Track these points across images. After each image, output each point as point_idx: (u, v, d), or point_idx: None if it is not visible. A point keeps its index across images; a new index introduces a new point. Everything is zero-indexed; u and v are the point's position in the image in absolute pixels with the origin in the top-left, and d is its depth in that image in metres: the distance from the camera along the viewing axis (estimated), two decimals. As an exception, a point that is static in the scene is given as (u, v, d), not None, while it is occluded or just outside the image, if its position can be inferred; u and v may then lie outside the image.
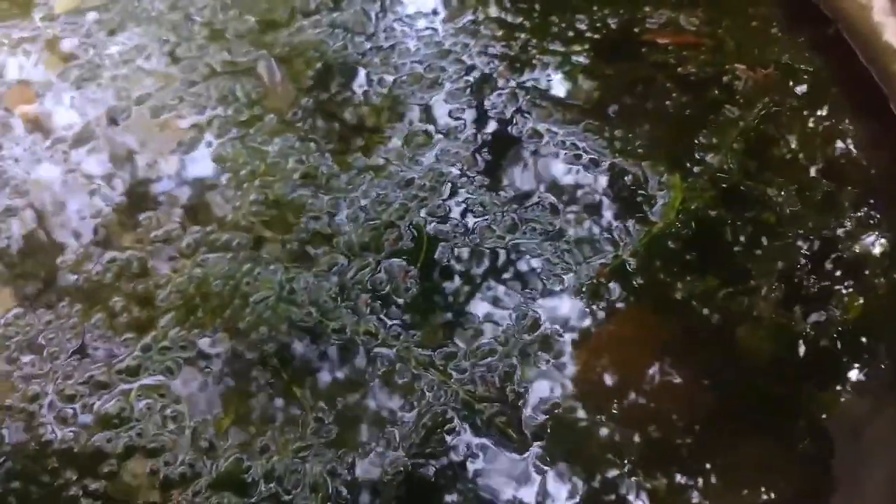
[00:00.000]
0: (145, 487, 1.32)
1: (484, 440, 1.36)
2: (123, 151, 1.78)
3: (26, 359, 1.46)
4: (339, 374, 1.44)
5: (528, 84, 1.84)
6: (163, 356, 1.45)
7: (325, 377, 1.44)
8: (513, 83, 1.83)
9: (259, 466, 1.33)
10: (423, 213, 1.63)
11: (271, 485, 1.31)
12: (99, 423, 1.38)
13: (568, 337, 1.47)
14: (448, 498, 1.32)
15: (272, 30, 1.95)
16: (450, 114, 1.79)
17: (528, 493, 1.33)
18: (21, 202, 1.70)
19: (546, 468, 1.34)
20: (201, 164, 1.73)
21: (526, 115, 1.78)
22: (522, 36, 1.93)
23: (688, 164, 1.68)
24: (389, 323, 1.49)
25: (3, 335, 1.48)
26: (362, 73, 1.88)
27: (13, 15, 2.07)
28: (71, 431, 1.38)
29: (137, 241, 1.61)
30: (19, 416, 1.40)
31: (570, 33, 1.93)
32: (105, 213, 1.66)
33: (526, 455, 1.35)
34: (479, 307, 1.51)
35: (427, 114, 1.79)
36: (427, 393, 1.40)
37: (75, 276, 1.56)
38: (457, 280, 1.55)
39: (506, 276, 1.55)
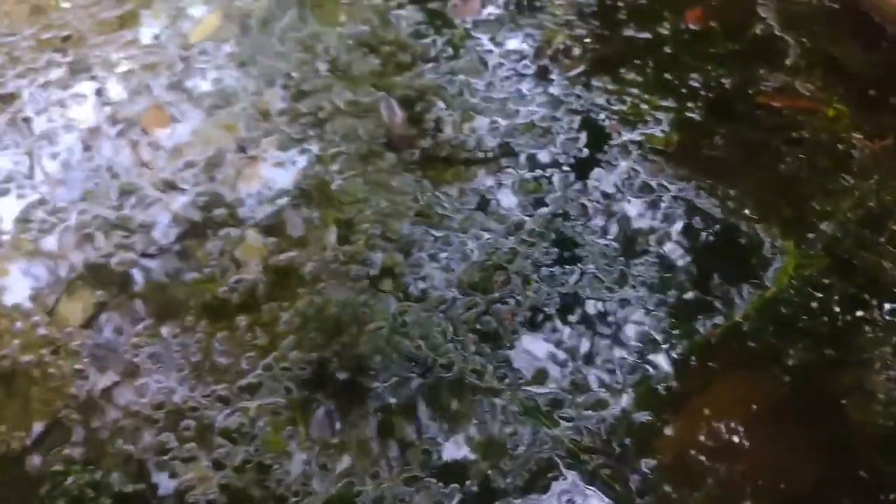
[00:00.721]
0: (258, 502, 1.39)
1: (588, 490, 1.37)
2: (249, 180, 1.90)
3: (154, 368, 1.56)
4: (447, 409, 1.48)
5: (640, 138, 1.88)
6: (282, 375, 1.53)
7: (433, 410, 1.48)
8: (624, 136, 1.88)
9: (369, 491, 1.38)
10: (530, 258, 1.67)
11: (378, 511, 1.37)
12: (218, 436, 1.46)
13: (674, 394, 1.48)
14: (549, 544, 1.35)
15: (394, 73, 2.06)
16: (561, 163, 1.85)
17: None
18: (149, 219, 1.84)
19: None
20: (324, 196, 1.83)
21: (637, 168, 1.82)
22: (635, 91, 1.98)
23: (801, 230, 1.69)
24: (496, 363, 1.53)
25: (134, 344, 1.59)
26: (478, 118, 1.95)
27: (152, 42, 2.24)
28: (191, 445, 1.46)
29: (262, 266, 1.71)
30: (144, 423, 1.50)
31: (684, 90, 1.97)
32: (232, 236, 1.76)
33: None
34: (586, 357, 1.54)
35: (538, 162, 1.85)
36: (532, 436, 1.43)
37: (203, 294, 1.66)
38: (562, 327, 1.59)
39: (613, 328, 1.57)
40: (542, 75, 2.02)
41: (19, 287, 1.73)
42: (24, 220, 1.83)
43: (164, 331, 1.60)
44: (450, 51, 2.09)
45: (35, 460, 1.46)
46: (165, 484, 1.42)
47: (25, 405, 1.55)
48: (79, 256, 1.75)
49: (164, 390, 1.52)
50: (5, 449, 1.47)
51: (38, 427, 1.51)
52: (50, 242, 1.79)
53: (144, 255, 1.75)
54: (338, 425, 1.47)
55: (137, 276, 1.71)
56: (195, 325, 1.60)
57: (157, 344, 1.58)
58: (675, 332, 1.56)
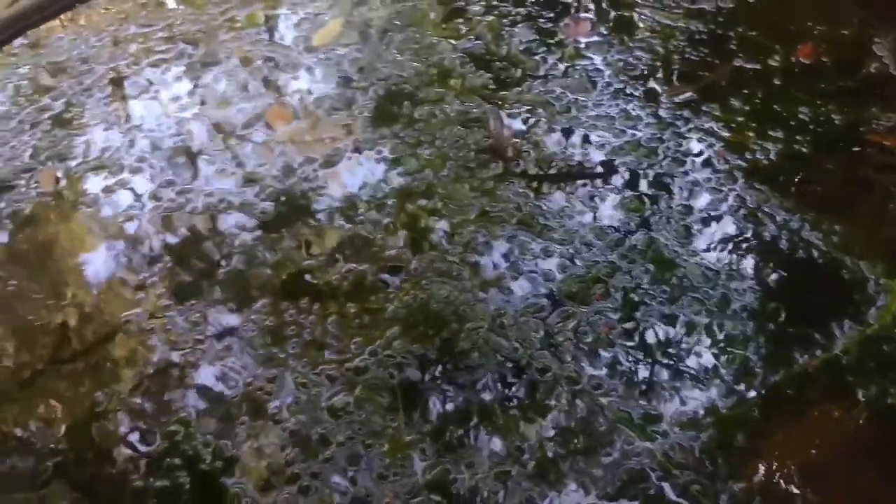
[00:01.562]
0: (358, 479, 1.48)
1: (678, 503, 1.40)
2: (362, 178, 2.01)
3: (269, 342, 1.67)
4: (541, 411, 1.54)
5: (746, 166, 1.90)
6: (387, 361, 1.61)
7: (527, 411, 1.54)
8: (730, 163, 1.90)
9: (464, 480, 1.44)
10: (630, 274, 1.72)
11: (476, 499, 1.43)
12: (326, 412, 1.55)
13: (768, 421, 1.50)
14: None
15: (504, 87, 2.15)
16: (664, 184, 1.89)
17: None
18: (268, 206, 1.96)
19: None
20: (431, 199, 1.92)
21: (743, 196, 1.84)
22: (742, 119, 2.00)
23: (908, 270, 1.68)
24: (591, 373, 1.58)
25: (254, 320, 1.71)
26: (584, 135, 2.01)
27: (278, 42, 2.39)
28: (300, 416, 1.56)
29: (371, 258, 1.81)
30: (257, 393, 1.60)
31: (792, 123, 1.98)
32: (346, 229, 1.87)
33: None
34: (681, 376, 1.57)
35: (642, 181, 1.90)
36: (624, 447, 1.47)
37: (316, 280, 1.77)
38: (659, 345, 1.62)
39: (710, 350, 1.60)
40: (650, 97, 2.07)
41: (143, 256, 1.88)
42: (155, 197, 2.00)
43: (280, 308, 1.72)
44: (560, 68, 2.17)
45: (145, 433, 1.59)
46: (270, 453, 1.52)
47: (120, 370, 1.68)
48: (201, 236, 1.90)
49: (275, 364, 1.63)
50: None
51: (173, 396, 1.64)
52: (176, 220, 1.94)
53: (262, 240, 1.87)
54: (435, 414, 1.55)
55: (258, 255, 1.83)
56: (310, 308, 1.71)
57: (271, 319, 1.70)
58: (773, 359, 1.57)
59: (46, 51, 2.47)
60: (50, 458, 1.54)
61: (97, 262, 1.90)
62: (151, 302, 1.78)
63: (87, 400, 1.62)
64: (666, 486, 1.42)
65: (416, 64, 2.24)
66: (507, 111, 2.08)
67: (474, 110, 2.09)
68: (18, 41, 2.58)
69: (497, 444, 1.50)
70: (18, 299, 1.85)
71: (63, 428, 1.60)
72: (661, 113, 2.02)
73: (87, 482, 1.52)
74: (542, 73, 2.16)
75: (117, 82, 2.34)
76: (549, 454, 1.47)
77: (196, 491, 1.49)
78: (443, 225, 1.87)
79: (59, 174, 2.09)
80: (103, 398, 1.62)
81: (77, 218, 1.99)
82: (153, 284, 1.81)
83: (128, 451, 1.54)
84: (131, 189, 2.02)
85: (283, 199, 1.96)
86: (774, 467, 1.46)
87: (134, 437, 1.57)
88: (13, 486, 1.53)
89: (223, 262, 1.84)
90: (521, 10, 2.38)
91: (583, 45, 2.23)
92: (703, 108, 2.03)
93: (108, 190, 2.03)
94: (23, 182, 2.08)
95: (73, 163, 2.10)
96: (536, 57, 2.22)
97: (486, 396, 1.56)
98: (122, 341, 1.73)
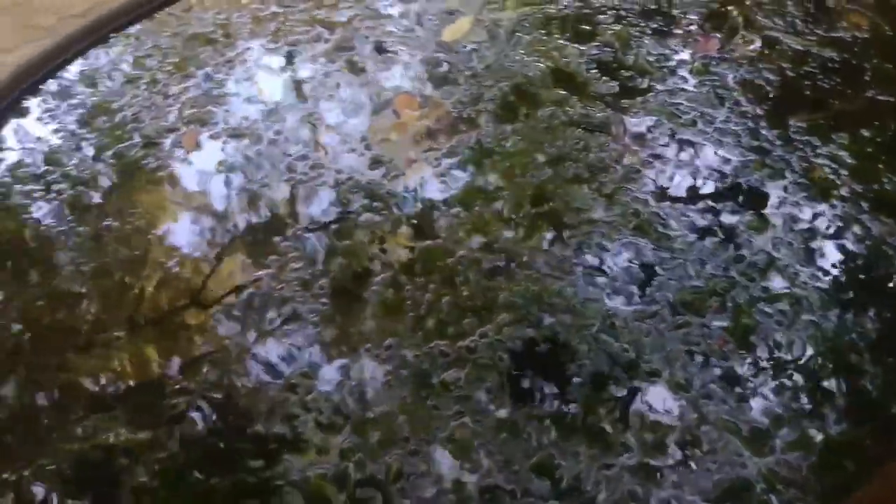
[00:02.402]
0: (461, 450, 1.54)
1: (781, 519, 1.42)
2: (482, 170, 2.07)
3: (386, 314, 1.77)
4: (648, 412, 1.57)
5: (873, 196, 1.88)
6: (496, 345, 1.68)
7: (634, 409, 1.57)
8: (854, 190, 1.89)
9: (568, 468, 1.49)
10: (747, 291, 1.73)
11: (576, 485, 1.47)
12: (434, 388, 1.63)
13: (883, 447, 1.49)
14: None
15: (629, 95, 2.18)
16: (787, 205, 1.89)
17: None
18: (394, 188, 2.05)
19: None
20: (551, 197, 1.97)
21: (868, 226, 1.82)
22: (871, 150, 1.98)
23: None
24: (702, 382, 1.60)
25: (374, 290, 1.81)
26: (705, 148, 2.03)
27: (409, 34, 2.49)
28: (410, 386, 1.64)
29: (487, 248, 1.87)
30: (377, 359, 1.69)
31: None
32: (463, 217, 1.94)
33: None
34: (794, 395, 1.57)
35: (765, 200, 1.90)
36: (731, 457, 1.49)
37: (432, 261, 1.85)
38: (773, 363, 1.62)
39: (825, 372, 1.60)
40: (778, 120, 2.07)
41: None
42: (289, 169, 2.12)
43: (398, 283, 1.81)
44: (687, 82, 2.19)
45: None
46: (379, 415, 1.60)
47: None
48: (332, 210, 2.01)
49: (392, 335, 1.72)
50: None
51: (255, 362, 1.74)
52: (307, 192, 2.06)
53: (387, 217, 1.96)
54: (540, 401, 1.60)
55: (379, 232, 1.93)
56: (426, 286, 1.79)
57: (390, 294, 1.79)
58: (890, 390, 1.55)
59: (193, 21, 2.64)
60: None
61: (231, 224, 2.04)
62: (276, 268, 1.90)
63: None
64: (770, 499, 1.43)
65: (541, 65, 2.30)
66: (631, 119, 2.12)
67: (597, 115, 2.14)
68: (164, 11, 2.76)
69: (600, 438, 1.54)
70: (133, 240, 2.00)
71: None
72: (789, 135, 2.02)
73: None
74: (668, 85, 2.19)
75: (256, 58, 2.48)
76: (653, 453, 1.51)
77: (305, 448, 1.58)
78: (559, 223, 1.92)
79: (200, 137, 2.25)
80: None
81: (213, 181, 2.14)
82: (277, 251, 1.93)
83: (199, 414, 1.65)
84: (268, 158, 2.16)
85: (406, 182, 2.05)
86: (885, 496, 1.44)
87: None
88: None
89: (343, 232, 1.94)
90: (651, 23, 2.41)
91: (711, 62, 2.25)
92: (832, 135, 2.01)
93: (246, 158, 2.17)
94: (167, 141, 2.24)
95: (213, 129, 2.25)
96: (663, 69, 2.25)
97: (592, 392, 1.61)
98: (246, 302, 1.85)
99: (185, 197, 2.13)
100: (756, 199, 1.91)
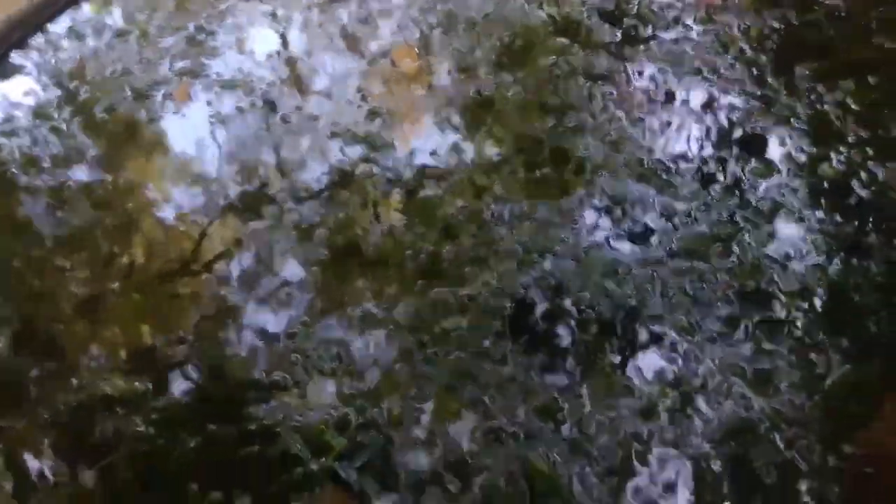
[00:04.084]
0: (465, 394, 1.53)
1: (784, 455, 1.40)
2: (480, 119, 2.04)
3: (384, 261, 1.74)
4: (651, 357, 1.55)
5: (879, 143, 1.85)
6: (498, 293, 1.65)
7: (638, 353, 1.55)
8: (861, 135, 1.87)
9: (571, 412, 1.48)
10: (752, 236, 1.71)
11: (580, 427, 1.46)
12: (435, 336, 1.61)
13: (889, 391, 1.48)
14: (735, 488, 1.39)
15: (632, 43, 2.14)
16: (793, 150, 1.86)
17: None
18: (388, 138, 2.02)
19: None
20: (552, 144, 1.94)
21: (873, 172, 1.80)
22: (877, 96, 1.95)
23: None
24: (704, 326, 1.58)
25: (376, 243, 1.78)
26: (710, 95, 2.00)
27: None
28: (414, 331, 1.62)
29: (487, 195, 1.84)
30: (378, 308, 1.67)
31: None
32: (463, 165, 1.91)
33: (817, 488, 1.38)
34: (800, 337, 1.55)
35: (771, 146, 1.87)
36: (734, 398, 1.47)
37: (432, 210, 1.82)
38: (777, 305, 1.60)
39: (833, 315, 1.57)
40: (784, 67, 2.03)
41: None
42: (283, 120, 2.08)
43: (400, 232, 1.78)
44: (691, 31, 2.14)
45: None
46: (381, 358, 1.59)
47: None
48: (328, 162, 1.97)
49: (394, 283, 1.69)
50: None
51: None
52: (304, 142, 2.02)
53: (381, 166, 1.93)
54: (544, 348, 1.58)
55: (377, 180, 1.90)
56: (424, 235, 1.77)
57: (388, 242, 1.76)
58: (894, 331, 1.54)
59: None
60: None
61: (225, 176, 2.00)
62: (269, 215, 1.86)
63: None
64: (773, 437, 1.42)
65: (542, 14, 2.25)
66: (635, 67, 2.08)
67: (601, 63, 2.10)
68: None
69: (603, 380, 1.53)
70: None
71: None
72: (794, 83, 1.98)
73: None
74: (672, 33, 2.15)
75: (247, 9, 2.42)
76: (656, 395, 1.49)
77: (305, 395, 1.56)
78: (561, 171, 1.89)
79: (192, 90, 2.20)
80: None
81: (204, 132, 2.09)
82: (273, 192, 1.89)
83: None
84: (262, 109, 2.11)
85: (404, 131, 2.01)
86: (885, 437, 1.44)
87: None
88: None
89: (340, 184, 1.91)
90: (653, -29, 2.36)
91: (715, 12, 2.20)
92: (839, 82, 1.98)
93: (239, 109, 2.12)
94: (159, 94, 2.19)
95: (206, 80, 2.20)
96: (667, 17, 2.20)
97: (596, 337, 1.59)
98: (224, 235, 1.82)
99: (177, 150, 2.09)
100: (761, 146, 1.88)
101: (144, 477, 1.47)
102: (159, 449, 1.50)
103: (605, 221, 1.77)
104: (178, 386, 1.58)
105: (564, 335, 1.59)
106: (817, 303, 1.60)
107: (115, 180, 1.98)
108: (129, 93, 2.18)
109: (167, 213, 1.91)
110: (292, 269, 1.74)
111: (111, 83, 2.21)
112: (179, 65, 2.24)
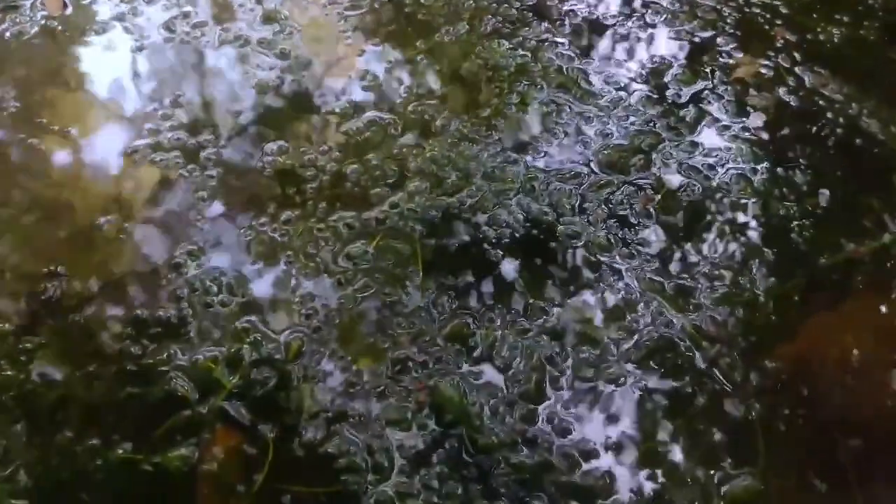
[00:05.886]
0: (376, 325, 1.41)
1: (703, 378, 1.34)
2: (390, 28, 1.87)
3: (283, 186, 1.58)
4: (568, 275, 1.46)
5: (807, 48, 1.76)
6: (409, 215, 1.52)
7: (553, 274, 1.46)
8: (788, 39, 1.77)
9: (482, 335, 1.38)
10: (675, 147, 1.61)
11: (491, 353, 1.37)
12: (343, 258, 1.48)
13: (807, 304, 1.42)
14: (656, 417, 1.33)
15: None
16: (718, 55, 1.76)
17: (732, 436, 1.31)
18: (289, 48, 1.83)
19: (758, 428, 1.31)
20: (466, 53, 1.78)
21: (801, 77, 1.72)
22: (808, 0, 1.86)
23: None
24: (624, 242, 1.50)
25: (268, 163, 1.61)
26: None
27: None
28: (315, 261, 1.48)
29: (397, 110, 1.69)
30: (275, 233, 1.52)
31: (860, 8, 1.84)
32: (372, 77, 1.74)
33: (739, 405, 1.33)
34: (720, 253, 1.48)
35: (696, 51, 1.77)
36: (654, 317, 1.40)
37: (338, 127, 1.66)
38: (699, 219, 1.53)
39: (753, 230, 1.51)
40: None
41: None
42: (168, 28, 1.86)
43: (298, 152, 1.62)
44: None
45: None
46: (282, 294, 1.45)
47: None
48: (219, 72, 1.77)
49: (294, 211, 1.54)
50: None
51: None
52: (191, 54, 1.81)
53: (283, 80, 1.75)
54: (455, 269, 1.47)
55: (279, 96, 1.72)
56: (329, 154, 1.61)
57: (287, 163, 1.60)
58: (819, 243, 1.48)
59: None
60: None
61: (103, 95, 1.78)
62: (161, 136, 1.67)
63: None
64: (694, 356, 1.36)
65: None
66: (557, -31, 1.92)
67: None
68: None
69: (518, 302, 1.43)
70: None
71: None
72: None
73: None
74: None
75: None
76: (572, 316, 1.41)
77: (191, 332, 1.42)
78: (475, 80, 1.74)
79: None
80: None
81: (84, 47, 1.86)
82: (163, 118, 1.70)
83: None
84: (144, 18, 1.88)
85: (306, 38, 1.83)
86: (808, 350, 1.39)
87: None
88: None
89: (237, 102, 1.72)
90: None
91: None
92: (766, -16, 1.87)
93: (118, 18, 1.88)
94: (27, 3, 1.93)
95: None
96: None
97: (510, 256, 1.48)
98: (126, 173, 1.63)
99: (57, 73, 1.85)
100: (686, 49, 1.77)
101: (11, 423, 1.32)
102: (28, 393, 1.34)
103: (520, 133, 1.64)
104: (50, 324, 1.42)
105: (477, 256, 1.48)
106: (740, 216, 1.54)
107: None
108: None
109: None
110: (174, 190, 1.57)
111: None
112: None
